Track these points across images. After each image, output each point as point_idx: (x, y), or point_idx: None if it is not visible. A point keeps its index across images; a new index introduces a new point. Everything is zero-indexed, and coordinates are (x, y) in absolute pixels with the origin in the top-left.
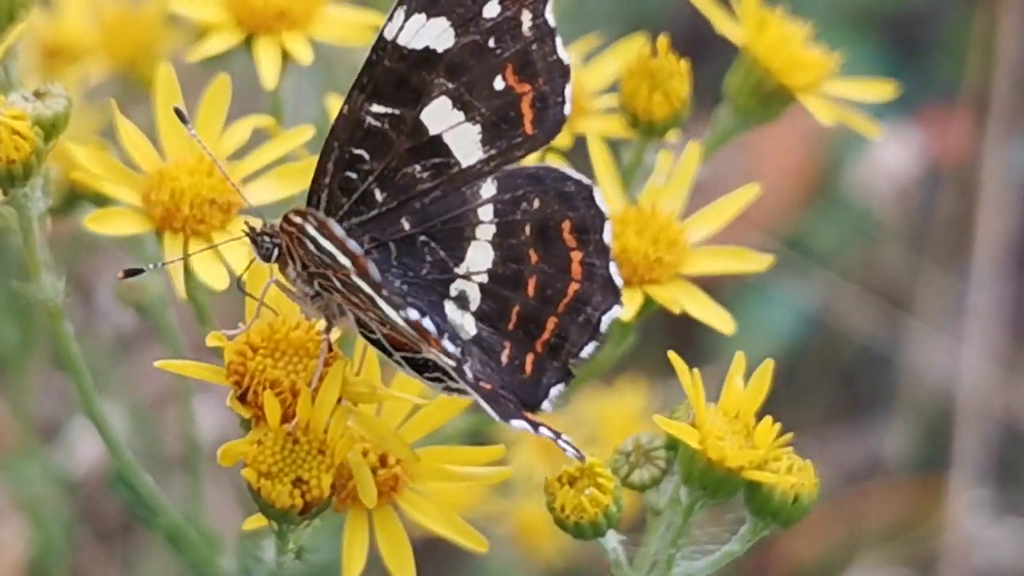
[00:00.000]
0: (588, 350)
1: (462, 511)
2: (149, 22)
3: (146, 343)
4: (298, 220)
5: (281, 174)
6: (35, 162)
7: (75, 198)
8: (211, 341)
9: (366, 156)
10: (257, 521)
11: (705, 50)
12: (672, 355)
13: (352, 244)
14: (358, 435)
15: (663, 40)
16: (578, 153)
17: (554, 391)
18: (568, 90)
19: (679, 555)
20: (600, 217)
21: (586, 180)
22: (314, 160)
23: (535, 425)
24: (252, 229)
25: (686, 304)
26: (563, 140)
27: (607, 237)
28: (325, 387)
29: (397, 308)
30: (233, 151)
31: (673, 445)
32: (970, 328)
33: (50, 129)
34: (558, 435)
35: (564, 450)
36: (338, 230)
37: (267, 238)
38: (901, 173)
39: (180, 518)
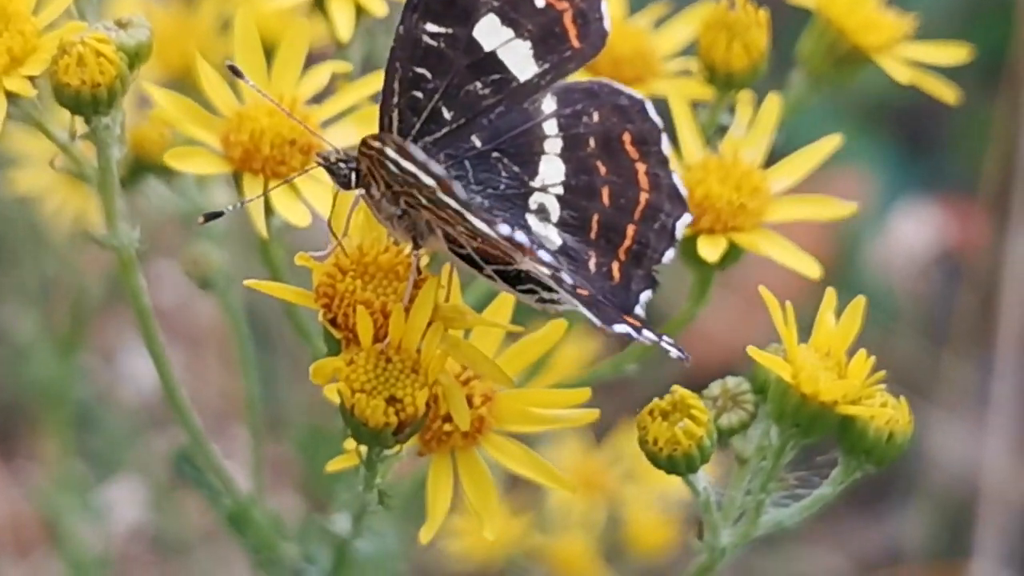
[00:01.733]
0: (668, 256)
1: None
2: (203, 30)
3: (166, 415)
4: (376, 144)
5: (360, 118)
6: (119, 88)
7: (140, 168)
8: (300, 261)
9: (428, 75)
10: (341, 462)
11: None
12: (763, 289)
13: (434, 166)
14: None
15: None
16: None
17: (643, 296)
18: (604, 6)
19: (768, 501)
20: (656, 129)
21: (638, 94)
22: None
23: (638, 328)
24: (325, 158)
25: (770, 250)
26: None
27: (665, 148)
28: (417, 305)
29: (488, 223)
30: (311, 96)
31: (760, 389)
32: (992, 416)
33: (133, 58)
34: (660, 336)
35: (668, 351)
36: (418, 153)
37: (343, 164)
38: (919, 251)
39: (246, 498)
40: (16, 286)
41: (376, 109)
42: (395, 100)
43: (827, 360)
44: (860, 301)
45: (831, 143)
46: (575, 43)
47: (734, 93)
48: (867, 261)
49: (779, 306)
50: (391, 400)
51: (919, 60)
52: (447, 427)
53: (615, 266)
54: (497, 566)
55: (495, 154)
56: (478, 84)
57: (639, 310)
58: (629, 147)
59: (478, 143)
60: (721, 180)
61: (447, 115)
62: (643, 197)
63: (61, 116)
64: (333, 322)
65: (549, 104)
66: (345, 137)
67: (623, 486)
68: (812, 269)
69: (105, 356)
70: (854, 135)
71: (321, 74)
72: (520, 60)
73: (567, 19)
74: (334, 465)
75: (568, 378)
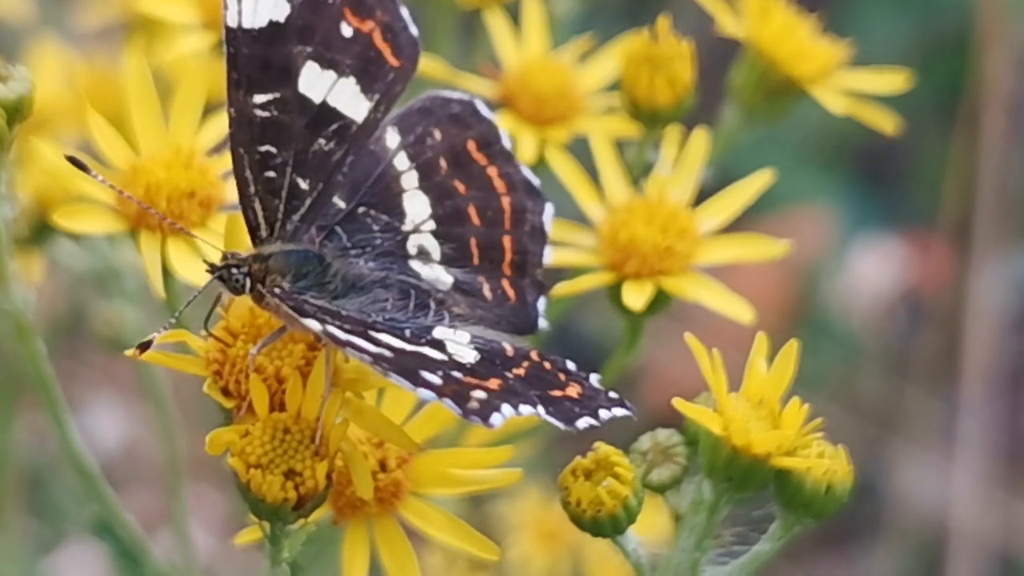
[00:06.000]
0: (546, 255)
1: None
2: (124, 85)
3: (132, 470)
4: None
5: None
6: None
7: (45, 228)
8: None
9: (273, 150)
10: (250, 534)
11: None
12: (689, 336)
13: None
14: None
15: (663, 22)
16: (580, 153)
17: (540, 305)
18: (404, 12)
19: (704, 559)
20: (492, 126)
21: (465, 96)
22: None
23: (600, 415)
24: (213, 266)
25: (700, 295)
26: (560, 136)
27: (506, 143)
28: (316, 372)
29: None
30: (212, 146)
31: (693, 441)
32: (961, 453)
33: (13, 112)
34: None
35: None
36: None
37: (235, 270)
38: (881, 287)
39: (167, 567)
40: None
41: None
42: (252, 189)
43: (760, 409)
44: (793, 345)
45: (762, 178)
46: (393, 61)
47: (661, 129)
48: (829, 298)
49: (705, 352)
50: (289, 474)
51: (857, 89)
52: None
53: (505, 284)
54: None
55: (360, 209)
56: (321, 141)
57: (542, 322)
58: (476, 154)
59: (342, 204)
60: (646, 222)
61: (304, 185)
62: (505, 202)
63: None
64: (225, 390)
65: (392, 138)
66: None
67: (585, 540)
68: (744, 314)
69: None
70: (812, 172)
71: (220, 123)
72: (351, 100)
73: (377, 39)
74: (241, 539)
75: (504, 433)
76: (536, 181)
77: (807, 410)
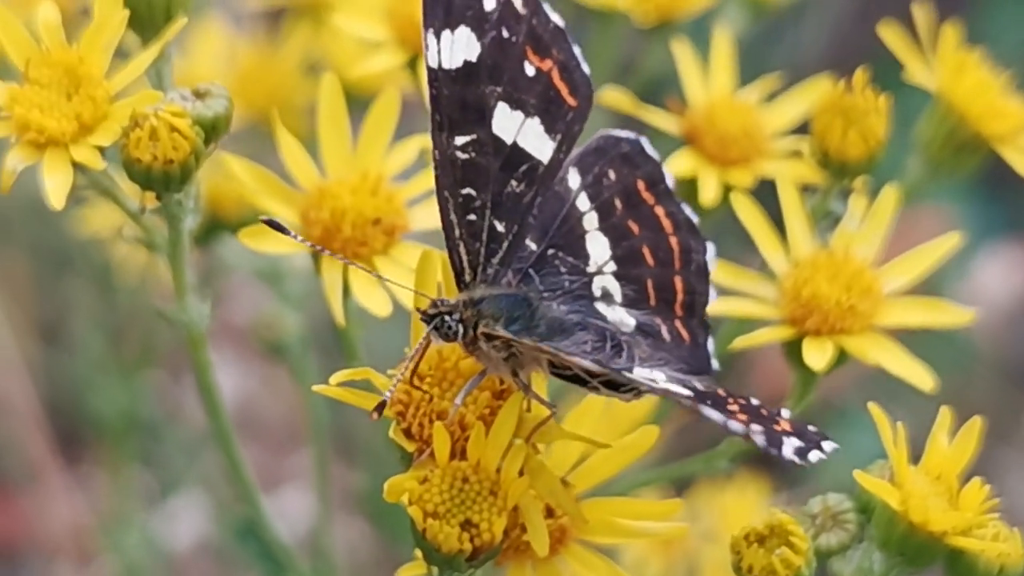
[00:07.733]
0: (713, 296)
1: None
2: (287, 69)
3: (246, 427)
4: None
5: None
6: (193, 164)
7: (215, 227)
8: (345, 377)
9: (473, 193)
10: (413, 570)
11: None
12: (873, 407)
13: None
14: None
15: (860, 74)
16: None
17: (711, 346)
18: (576, 49)
19: None
20: (657, 165)
21: (632, 135)
22: None
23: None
24: (426, 314)
25: (881, 358)
26: (744, 180)
27: (670, 182)
28: (500, 422)
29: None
30: (399, 171)
31: (864, 508)
32: None
33: (210, 131)
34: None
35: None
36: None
37: (448, 317)
38: (1004, 294)
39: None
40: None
41: None
42: (457, 233)
43: (937, 485)
44: (976, 423)
45: (950, 241)
46: (570, 100)
47: (848, 180)
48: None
49: (888, 424)
50: (466, 524)
51: None
52: (526, 537)
53: (678, 325)
54: None
55: (550, 251)
56: (513, 183)
57: (715, 363)
58: (645, 194)
59: (533, 246)
60: (830, 279)
61: (501, 228)
62: (674, 241)
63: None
64: (407, 431)
65: (574, 178)
66: (434, 217)
67: (701, 546)
68: (925, 380)
69: (175, 373)
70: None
71: (409, 149)
72: (537, 141)
73: (556, 78)
74: (405, 574)
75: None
76: (696, 219)
77: (987, 491)
